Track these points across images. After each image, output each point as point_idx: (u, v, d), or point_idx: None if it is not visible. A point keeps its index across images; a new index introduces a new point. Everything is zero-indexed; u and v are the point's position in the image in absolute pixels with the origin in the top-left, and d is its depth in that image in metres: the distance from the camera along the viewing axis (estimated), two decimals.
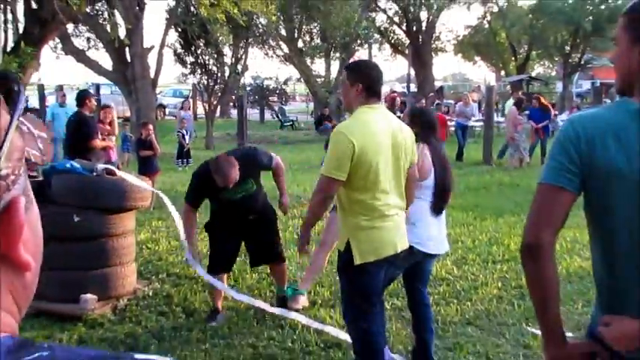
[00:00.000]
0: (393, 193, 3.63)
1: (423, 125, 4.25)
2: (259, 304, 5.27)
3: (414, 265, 4.17)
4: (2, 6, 7.64)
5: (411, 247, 3.91)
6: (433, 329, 4.47)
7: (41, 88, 23.71)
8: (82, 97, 8.21)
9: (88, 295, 5.33)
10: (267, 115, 33.05)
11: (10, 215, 0.67)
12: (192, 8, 17.04)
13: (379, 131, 3.55)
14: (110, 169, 5.77)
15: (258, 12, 9.26)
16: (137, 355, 0.70)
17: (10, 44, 7.71)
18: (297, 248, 4.54)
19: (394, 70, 75.22)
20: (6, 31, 7.78)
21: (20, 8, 7.21)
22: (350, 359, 4.44)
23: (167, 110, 31.60)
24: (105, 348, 4.67)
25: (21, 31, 7.56)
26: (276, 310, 5.18)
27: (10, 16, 7.65)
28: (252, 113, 33.40)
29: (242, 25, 14.27)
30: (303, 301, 5.47)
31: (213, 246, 5.47)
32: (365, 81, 3.61)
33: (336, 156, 3.48)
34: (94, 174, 5.74)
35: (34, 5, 7.29)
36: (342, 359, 4.51)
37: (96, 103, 8.69)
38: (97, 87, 26.66)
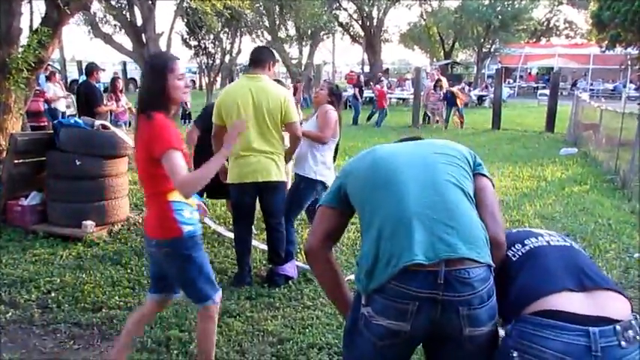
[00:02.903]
0: (254, 140, 3.70)
1: (335, 97, 4.32)
2: (220, 229, 5.10)
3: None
4: None
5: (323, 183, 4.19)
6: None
7: (80, 64, 23.00)
8: (90, 69, 7.72)
9: (88, 222, 5.10)
10: None
11: None
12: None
13: (239, 91, 3.72)
14: (105, 125, 5.46)
15: (235, 5, 8.62)
16: None
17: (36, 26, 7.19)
18: None
19: (353, 55, 74.20)
20: (31, 14, 7.24)
21: None
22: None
23: None
24: (96, 262, 4.46)
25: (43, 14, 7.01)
26: (228, 233, 4.99)
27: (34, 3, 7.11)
28: None
29: (229, 17, 13.75)
30: None
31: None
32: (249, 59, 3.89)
33: (214, 109, 3.80)
34: (94, 128, 5.43)
35: None
36: None
37: (101, 76, 8.15)
38: (124, 63, 25.78)
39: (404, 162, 1.72)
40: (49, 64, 12.52)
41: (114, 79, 9.29)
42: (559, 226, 5.48)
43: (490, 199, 1.80)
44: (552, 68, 29.27)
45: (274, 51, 4.29)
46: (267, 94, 3.68)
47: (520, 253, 1.75)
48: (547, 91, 22.97)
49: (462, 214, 1.62)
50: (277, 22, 22.57)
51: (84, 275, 4.16)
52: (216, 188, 5.03)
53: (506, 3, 26.49)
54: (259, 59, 3.78)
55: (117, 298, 3.74)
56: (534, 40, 38.50)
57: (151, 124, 2.27)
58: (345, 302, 1.85)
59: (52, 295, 3.82)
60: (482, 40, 29.10)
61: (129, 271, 4.26)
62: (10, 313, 3.57)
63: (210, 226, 5.32)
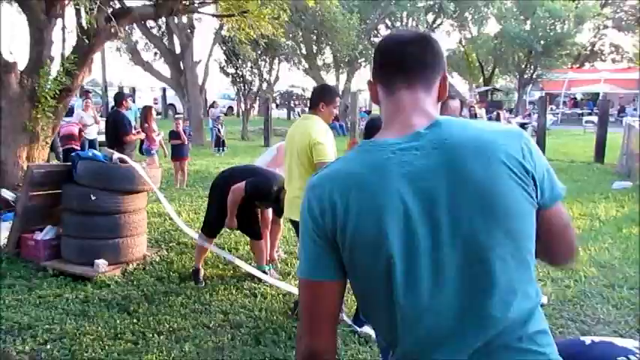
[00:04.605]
0: (292, 177, 3.78)
1: (367, 132, 3.95)
2: (241, 263, 4.69)
3: None
4: (62, 22, 7.05)
5: None
6: None
7: (121, 89, 23.37)
8: (119, 98, 7.50)
9: (100, 260, 4.75)
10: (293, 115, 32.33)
11: None
12: None
13: (290, 132, 3.89)
14: (123, 158, 5.14)
15: (269, 34, 8.34)
16: None
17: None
18: None
19: None
20: (64, 42, 7.16)
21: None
22: None
23: (219, 110, 30.97)
24: (102, 307, 4.07)
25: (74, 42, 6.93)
26: (252, 270, 4.59)
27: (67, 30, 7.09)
28: (282, 113, 32.82)
29: (265, 45, 13.59)
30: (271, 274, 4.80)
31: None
32: None
33: None
34: (112, 162, 5.13)
35: (83, 23, 6.72)
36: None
37: (131, 104, 7.94)
38: (164, 89, 26.12)
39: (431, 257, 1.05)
40: (88, 91, 12.60)
41: (146, 109, 9.09)
42: (619, 276, 4.81)
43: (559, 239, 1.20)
44: (598, 94, 28.09)
45: (331, 88, 4.26)
46: (300, 134, 3.72)
47: None
48: (593, 118, 21.99)
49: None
50: (314, 50, 22.47)
51: (86, 324, 3.77)
52: (245, 224, 4.71)
53: (548, 28, 25.66)
54: (311, 100, 3.88)
55: (116, 354, 3.32)
56: (578, 65, 37.28)
57: None
58: None
59: (48, 346, 3.44)
60: (523, 65, 28.28)
61: (135, 320, 3.85)
62: None
63: (218, 253, 5.03)
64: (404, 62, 1.17)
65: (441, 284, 1.05)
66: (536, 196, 1.08)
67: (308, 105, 3.98)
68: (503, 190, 1.04)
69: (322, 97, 3.79)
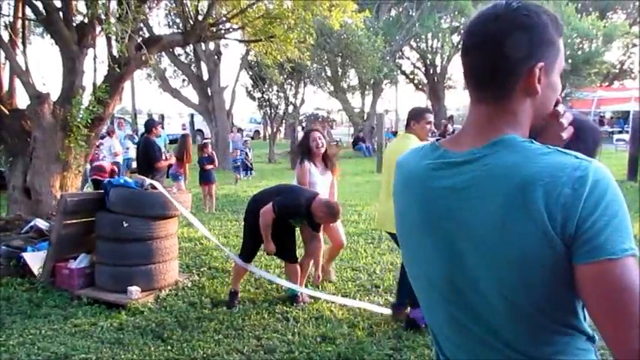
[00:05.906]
0: (388, 192, 3.93)
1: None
2: (277, 279, 4.83)
3: None
4: (94, 52, 7.19)
5: None
6: None
7: (150, 116, 23.85)
8: (149, 125, 7.63)
9: (133, 287, 4.78)
10: None
11: None
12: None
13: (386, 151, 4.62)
14: (154, 185, 5.20)
15: (295, 57, 8.42)
16: None
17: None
18: None
19: (417, 102, 73.62)
20: (95, 71, 7.33)
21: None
22: (338, 352, 3.73)
23: (244, 133, 31.33)
24: (136, 335, 4.08)
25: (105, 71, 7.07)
26: (284, 283, 4.83)
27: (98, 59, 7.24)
28: None
29: (291, 70, 13.73)
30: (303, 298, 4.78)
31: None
32: None
33: None
34: (144, 188, 5.19)
35: (114, 52, 6.85)
36: (333, 351, 3.77)
37: (161, 131, 8.06)
38: (192, 115, 26.56)
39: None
40: (122, 118, 12.92)
41: (185, 137, 9.22)
42: None
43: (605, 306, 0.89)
44: (628, 112, 27.50)
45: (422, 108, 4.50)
46: (396, 150, 4.07)
47: None
48: (624, 136, 21.50)
49: None
50: (339, 73, 22.63)
51: (121, 352, 3.77)
52: (280, 246, 4.66)
53: (576, 47, 25.39)
54: (406, 122, 4.24)
55: None
56: (607, 83, 36.67)
57: None
58: None
59: None
60: None
61: (169, 347, 3.84)
62: None
63: (258, 273, 5.08)
64: (470, 73, 1.04)
65: (433, 303, 1.11)
66: (569, 248, 0.89)
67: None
68: (503, 232, 0.92)
69: (411, 117, 4.21)
